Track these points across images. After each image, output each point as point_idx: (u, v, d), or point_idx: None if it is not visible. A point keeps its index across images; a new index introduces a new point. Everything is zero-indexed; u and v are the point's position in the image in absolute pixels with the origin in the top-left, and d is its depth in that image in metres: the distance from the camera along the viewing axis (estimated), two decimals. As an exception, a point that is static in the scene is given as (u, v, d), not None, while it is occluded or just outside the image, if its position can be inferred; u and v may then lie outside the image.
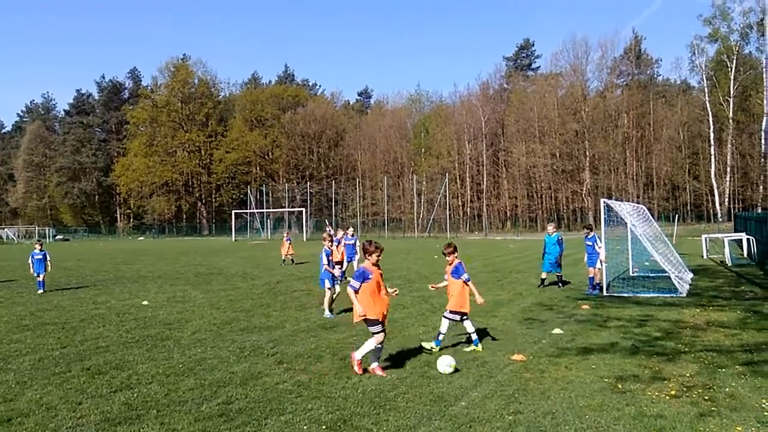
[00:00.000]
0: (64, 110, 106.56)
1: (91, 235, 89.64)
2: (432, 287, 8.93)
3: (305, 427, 5.19)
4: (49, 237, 78.88)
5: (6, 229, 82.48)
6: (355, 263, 17.58)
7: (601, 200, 14.93)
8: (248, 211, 73.10)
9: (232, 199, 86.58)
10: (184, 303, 13.37)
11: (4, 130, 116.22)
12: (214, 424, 5.28)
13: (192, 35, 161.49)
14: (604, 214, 14.59)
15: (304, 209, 66.13)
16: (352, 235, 18.51)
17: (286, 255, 24.77)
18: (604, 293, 13.59)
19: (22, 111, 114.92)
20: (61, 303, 13.73)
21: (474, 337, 8.19)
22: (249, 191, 78.13)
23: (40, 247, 16.92)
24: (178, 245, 50.92)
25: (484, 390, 6.24)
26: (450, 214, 68.51)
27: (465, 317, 8.18)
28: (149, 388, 6.49)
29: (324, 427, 5.20)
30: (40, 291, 16.01)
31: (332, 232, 25.63)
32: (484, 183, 73.35)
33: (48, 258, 16.80)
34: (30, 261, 16.72)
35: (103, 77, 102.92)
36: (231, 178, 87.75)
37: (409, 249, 37.09)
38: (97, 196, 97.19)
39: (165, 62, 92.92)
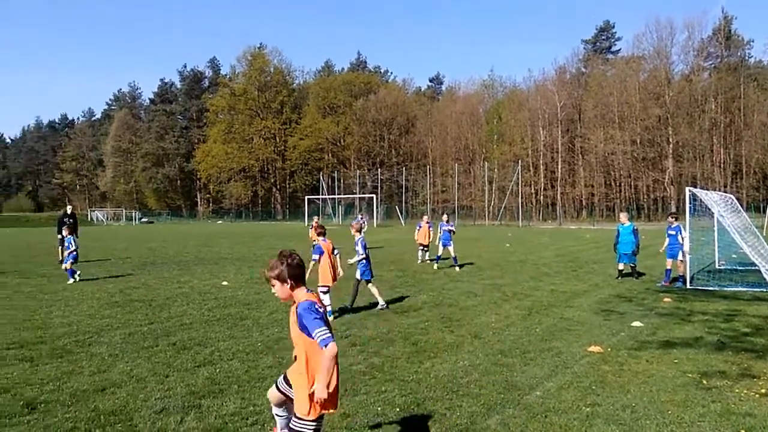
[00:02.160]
0: (149, 99, 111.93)
1: (174, 218, 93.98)
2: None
3: (379, 409, 5.27)
4: (135, 219, 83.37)
5: (96, 212, 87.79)
6: (451, 249, 17.63)
7: (686, 189, 14.20)
8: (320, 197, 74.46)
9: (305, 185, 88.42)
10: (261, 284, 13.80)
11: (94, 118, 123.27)
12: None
13: (268, 24, 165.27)
14: (689, 204, 13.87)
15: (374, 195, 66.66)
16: (448, 221, 18.51)
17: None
18: (688, 286, 12.98)
19: (110, 100, 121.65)
20: (148, 282, 14.51)
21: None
22: (321, 177, 79.57)
23: (67, 233, 15.74)
24: (254, 229, 52.63)
25: (560, 380, 6.13)
26: (522, 202, 67.19)
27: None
28: (230, 364, 6.78)
29: (398, 409, 5.27)
30: (70, 280, 14.58)
31: (363, 221, 25.79)
32: (559, 170, 71.37)
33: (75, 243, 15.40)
34: (64, 247, 15.68)
35: (185, 67, 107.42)
36: (304, 165, 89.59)
37: (479, 237, 36.72)
38: (179, 181, 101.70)
39: (242, 51, 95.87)
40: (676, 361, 6.85)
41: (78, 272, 14.84)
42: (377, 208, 66.24)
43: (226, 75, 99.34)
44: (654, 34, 67.23)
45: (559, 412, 5.22)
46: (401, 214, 69.33)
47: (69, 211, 22.24)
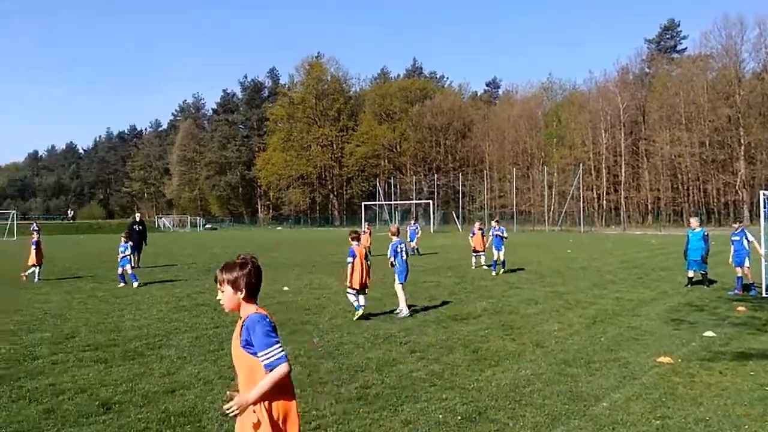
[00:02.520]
0: (212, 109, 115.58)
1: (236, 224, 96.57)
2: None
3: (440, 416, 5.25)
4: (199, 226, 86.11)
5: (163, 218, 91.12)
6: (501, 253, 17.59)
7: (761, 192, 13.51)
8: (377, 203, 74.85)
9: (362, 191, 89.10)
10: (321, 290, 14.01)
11: (160, 129, 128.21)
12: (353, 407, 5.50)
13: (326, 34, 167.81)
14: (764, 208, 13.19)
15: (431, 201, 66.46)
16: (498, 226, 18.45)
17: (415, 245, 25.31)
18: (764, 294, 12.33)
19: (176, 110, 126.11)
20: (212, 287, 14.90)
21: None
22: (378, 183, 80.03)
23: (125, 240, 16.10)
24: (312, 235, 53.46)
25: (628, 392, 5.94)
26: (584, 207, 65.49)
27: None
28: (293, 368, 6.89)
29: (459, 417, 5.23)
30: (127, 284, 15.15)
31: (416, 226, 26.02)
32: (622, 174, 69.20)
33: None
34: (119, 253, 15.58)
35: (246, 77, 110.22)
36: (361, 171, 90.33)
37: (539, 242, 36.02)
38: (240, 189, 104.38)
39: (300, 61, 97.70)
40: (752, 373, 6.52)
41: (127, 278, 15.24)
42: (434, 213, 66.03)
43: (284, 84, 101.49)
44: (722, 31, 64.30)
45: (627, 424, 5.05)
46: (458, 219, 68.84)
47: (138, 218, 23.26)
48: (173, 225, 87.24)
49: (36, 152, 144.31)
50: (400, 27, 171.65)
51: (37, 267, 16.91)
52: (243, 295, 3.14)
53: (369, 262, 10.43)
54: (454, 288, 14.20)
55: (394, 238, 11.04)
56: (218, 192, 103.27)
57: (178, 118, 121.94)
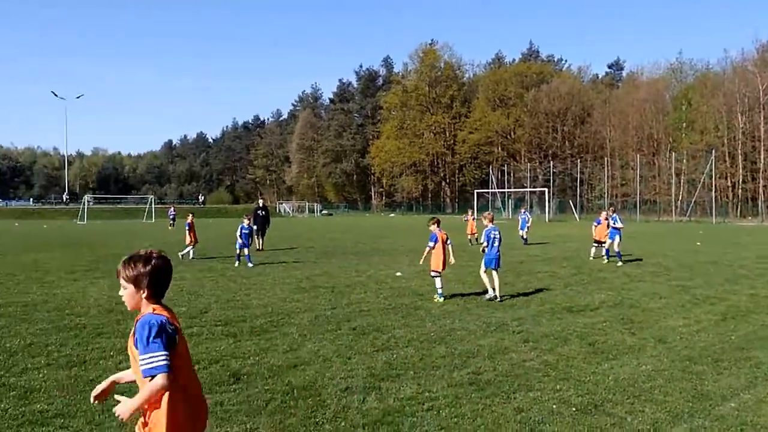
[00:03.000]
0: (329, 98, 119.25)
1: (350, 210, 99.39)
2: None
3: (554, 407, 5.21)
4: (316, 212, 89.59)
5: (283, 204, 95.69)
6: (615, 243, 17.02)
7: None
8: (489, 190, 73.77)
9: (474, 179, 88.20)
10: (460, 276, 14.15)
11: (281, 118, 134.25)
12: (466, 392, 5.59)
13: (440, 20, 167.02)
14: None
15: (546, 189, 64.46)
16: (614, 215, 17.77)
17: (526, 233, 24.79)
18: None
19: (295, 101, 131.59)
20: (329, 270, 15.61)
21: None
22: (490, 171, 78.80)
23: (247, 222, 17.10)
24: (424, 222, 53.76)
25: (759, 393, 5.54)
26: (716, 197, 60.56)
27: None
28: (406, 351, 7.11)
29: (574, 408, 5.16)
30: (240, 264, 16.28)
31: (526, 215, 25.25)
32: (762, 161, 63.09)
33: (253, 233, 17.72)
34: (238, 234, 16.64)
35: (361, 66, 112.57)
36: (473, 158, 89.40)
37: (665, 233, 33.87)
38: (355, 176, 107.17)
39: (414, 49, 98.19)
40: None
41: (243, 259, 16.51)
42: (549, 202, 63.99)
43: (398, 72, 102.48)
44: None
45: (757, 426, 4.74)
46: (575, 208, 66.25)
47: (261, 204, 24.63)
48: (292, 210, 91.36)
49: (170, 141, 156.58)
50: (516, 10, 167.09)
51: (192, 246, 18.50)
52: (145, 294, 2.87)
53: (450, 246, 11.03)
54: (570, 279, 13.79)
55: (489, 225, 11.19)
56: (334, 179, 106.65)
57: (298, 107, 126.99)
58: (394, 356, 6.86)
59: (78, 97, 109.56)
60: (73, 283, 12.83)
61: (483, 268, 10.97)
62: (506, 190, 73.18)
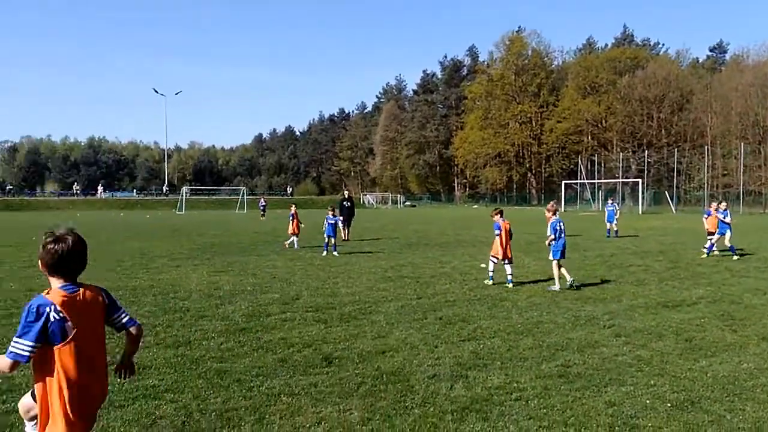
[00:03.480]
0: (413, 90, 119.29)
1: (433, 202, 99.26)
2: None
3: (648, 402, 5.08)
4: (399, 203, 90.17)
5: (367, 195, 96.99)
6: (726, 239, 16.19)
7: None
8: (578, 181, 71.36)
9: (562, 170, 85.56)
10: (519, 268, 13.94)
11: (366, 111, 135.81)
12: (555, 384, 5.55)
13: (527, 6, 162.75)
14: None
15: (640, 180, 61.56)
16: (725, 210, 16.84)
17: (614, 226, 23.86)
18: None
19: (379, 93, 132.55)
20: (414, 260, 15.76)
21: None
22: (579, 161, 76.18)
23: (332, 213, 17.77)
24: (509, 214, 52.84)
25: None
26: (833, 187, 55.54)
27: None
28: (492, 342, 7.12)
29: (669, 404, 5.01)
30: (327, 253, 16.90)
31: (615, 205, 24.05)
32: None
33: (339, 224, 18.15)
34: (324, 224, 17.38)
35: (445, 57, 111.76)
36: (561, 149, 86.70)
37: (772, 227, 31.54)
38: (438, 167, 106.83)
39: (500, 37, 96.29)
40: None
41: (329, 248, 17.04)
42: (643, 193, 61.07)
43: (483, 62, 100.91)
44: None
45: None
46: (671, 200, 62.88)
47: (347, 195, 25.17)
48: (376, 202, 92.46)
49: (260, 135, 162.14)
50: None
51: (296, 236, 19.14)
52: (46, 273, 2.96)
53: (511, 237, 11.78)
54: (666, 273, 13.20)
55: (554, 217, 11.44)
56: (417, 170, 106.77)
57: (382, 100, 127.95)
58: (481, 346, 6.89)
59: (177, 94, 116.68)
60: (175, 269, 13.72)
61: (551, 258, 11.22)
62: (596, 180, 70.49)
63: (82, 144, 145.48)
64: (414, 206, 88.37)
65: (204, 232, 26.85)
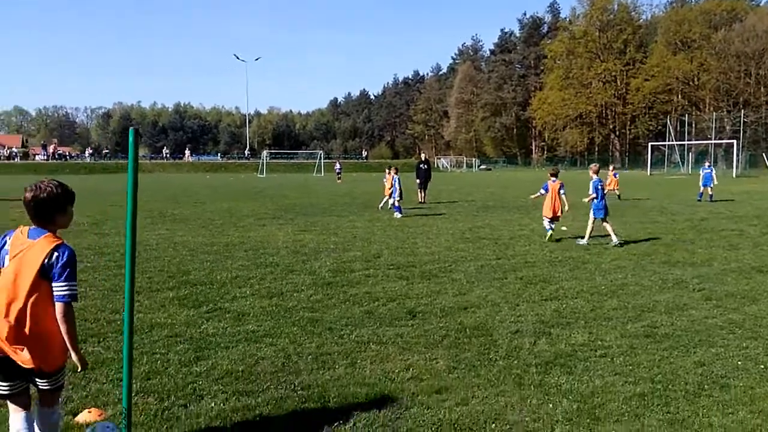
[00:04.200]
0: (490, 50, 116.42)
1: (509, 165, 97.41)
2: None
3: (740, 363, 4.99)
4: (474, 167, 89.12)
5: (441, 159, 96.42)
6: None
7: None
8: (666, 143, 67.85)
9: (648, 131, 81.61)
10: (599, 231, 13.70)
11: (440, 73, 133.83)
12: (641, 343, 5.54)
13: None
14: None
15: (734, 141, 57.78)
16: None
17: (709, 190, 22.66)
18: None
19: (455, 54, 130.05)
20: (491, 222, 15.72)
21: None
22: (668, 122, 72.20)
23: (393, 173, 18.21)
24: (586, 177, 51.19)
25: None
26: None
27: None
28: (575, 302, 7.12)
29: (762, 366, 4.91)
30: (398, 215, 17.06)
31: (711, 168, 22.54)
32: None
33: (400, 185, 17.85)
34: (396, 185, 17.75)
35: (525, 14, 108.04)
36: (648, 108, 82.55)
37: None
38: (515, 129, 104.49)
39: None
40: None
41: (398, 210, 17.29)
42: (738, 155, 57.34)
43: (565, 18, 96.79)
44: None
45: None
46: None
47: (423, 158, 25.19)
48: (450, 165, 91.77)
49: (335, 99, 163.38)
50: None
51: (391, 198, 18.60)
52: None
53: (564, 195, 12.47)
54: (761, 239, 12.56)
55: (595, 177, 12.17)
56: (493, 133, 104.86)
57: (457, 61, 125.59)
58: (563, 306, 6.91)
59: (256, 60, 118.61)
60: (262, 228, 14.36)
61: (592, 216, 11.84)
62: (686, 142, 66.76)
63: (169, 110, 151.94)
64: (489, 170, 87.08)
65: (285, 194, 27.74)
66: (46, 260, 2.95)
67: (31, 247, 2.99)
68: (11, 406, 3.16)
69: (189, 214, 17.39)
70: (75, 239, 12.09)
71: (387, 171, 19.67)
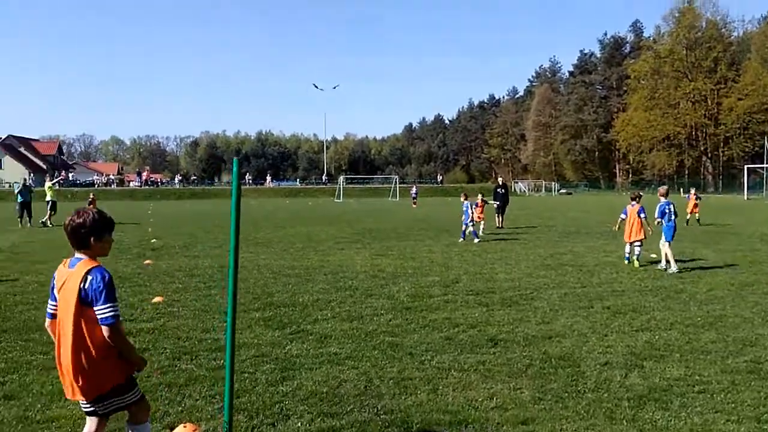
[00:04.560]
0: (568, 71, 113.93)
1: (591, 189, 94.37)
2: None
3: None
4: (553, 191, 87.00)
5: (519, 183, 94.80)
6: None
7: None
8: (764, 165, 63.61)
9: (744, 153, 76.86)
10: (695, 260, 13.01)
11: (517, 96, 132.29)
12: (744, 379, 5.17)
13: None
14: None
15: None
16: None
17: None
18: None
19: (532, 76, 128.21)
20: (574, 248, 15.24)
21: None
22: (765, 143, 67.85)
23: (464, 200, 17.51)
24: (679, 202, 48.80)
25: None
26: None
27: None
28: (669, 333, 6.75)
29: None
30: (464, 239, 16.98)
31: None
32: None
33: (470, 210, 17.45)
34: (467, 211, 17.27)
35: (605, 34, 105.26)
36: (743, 129, 77.91)
37: None
38: (596, 152, 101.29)
39: (669, 9, 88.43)
40: None
41: (468, 235, 17.15)
42: None
43: (649, 37, 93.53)
44: None
45: None
46: None
47: (501, 182, 24.88)
48: (528, 189, 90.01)
49: (410, 124, 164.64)
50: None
51: (479, 222, 18.67)
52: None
53: (644, 219, 12.01)
54: None
55: (662, 199, 12.02)
56: (573, 156, 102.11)
57: (534, 83, 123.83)
58: (656, 338, 6.57)
59: (334, 88, 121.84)
60: (341, 251, 14.59)
61: (663, 240, 11.55)
62: (786, 164, 62.24)
63: (252, 138, 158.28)
64: (570, 194, 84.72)
65: (361, 219, 28.10)
66: (81, 285, 3.01)
67: (71, 276, 3.08)
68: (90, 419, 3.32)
69: (271, 238, 17.93)
70: (169, 260, 12.76)
71: (464, 197, 19.05)
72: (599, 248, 15.27)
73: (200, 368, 5.47)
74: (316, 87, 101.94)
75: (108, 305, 2.99)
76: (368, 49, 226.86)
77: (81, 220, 3.08)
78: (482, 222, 19.43)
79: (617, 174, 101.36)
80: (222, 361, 5.62)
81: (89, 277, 3.01)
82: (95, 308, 3.00)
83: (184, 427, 4.05)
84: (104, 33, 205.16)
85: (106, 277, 3.03)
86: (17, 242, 16.88)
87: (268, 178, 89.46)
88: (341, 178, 71.82)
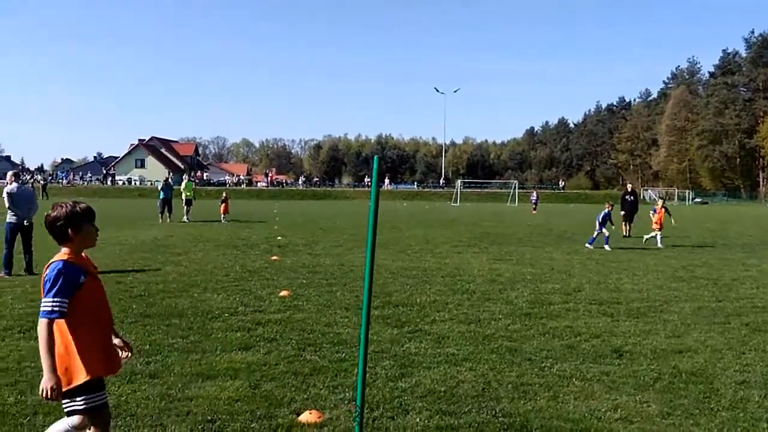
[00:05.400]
0: (709, 72, 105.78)
1: (730, 199, 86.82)
2: None
3: None
4: (687, 200, 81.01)
5: (649, 190, 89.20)
6: None
7: None
8: None
9: None
10: None
11: (650, 98, 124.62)
12: None
13: None
14: None
15: None
16: None
17: None
18: None
19: (667, 78, 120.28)
20: (709, 261, 14.19)
21: None
22: None
23: (609, 209, 17.11)
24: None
25: None
26: None
27: None
28: None
29: None
30: (606, 247, 16.48)
31: None
32: None
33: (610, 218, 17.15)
34: (599, 219, 16.88)
35: (752, 32, 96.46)
36: None
37: None
38: (738, 159, 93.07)
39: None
40: None
41: (599, 240, 16.81)
42: None
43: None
44: None
45: None
46: None
47: (630, 189, 23.64)
48: (658, 197, 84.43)
49: (532, 128, 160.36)
50: None
51: (659, 231, 17.89)
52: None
53: None
54: None
55: None
56: (711, 163, 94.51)
57: (670, 85, 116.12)
58: None
59: (455, 91, 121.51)
60: (458, 255, 14.62)
61: None
62: None
63: (372, 141, 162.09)
64: (705, 203, 78.50)
65: (479, 223, 27.88)
66: (43, 275, 3.02)
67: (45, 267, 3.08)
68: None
69: (388, 240, 18.33)
70: (293, 257, 13.48)
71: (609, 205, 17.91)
72: (738, 261, 14.10)
73: (323, 359, 5.77)
74: (437, 90, 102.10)
75: (49, 299, 2.91)
76: (490, 52, 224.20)
77: (56, 213, 3.07)
78: (659, 231, 17.99)
79: (760, 183, 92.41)
80: (344, 354, 5.91)
81: (47, 270, 3.00)
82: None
83: (310, 413, 4.33)
84: (235, 49, 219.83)
85: (60, 270, 2.95)
86: (159, 236, 18.51)
87: (387, 180, 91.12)
88: (458, 182, 71.56)
